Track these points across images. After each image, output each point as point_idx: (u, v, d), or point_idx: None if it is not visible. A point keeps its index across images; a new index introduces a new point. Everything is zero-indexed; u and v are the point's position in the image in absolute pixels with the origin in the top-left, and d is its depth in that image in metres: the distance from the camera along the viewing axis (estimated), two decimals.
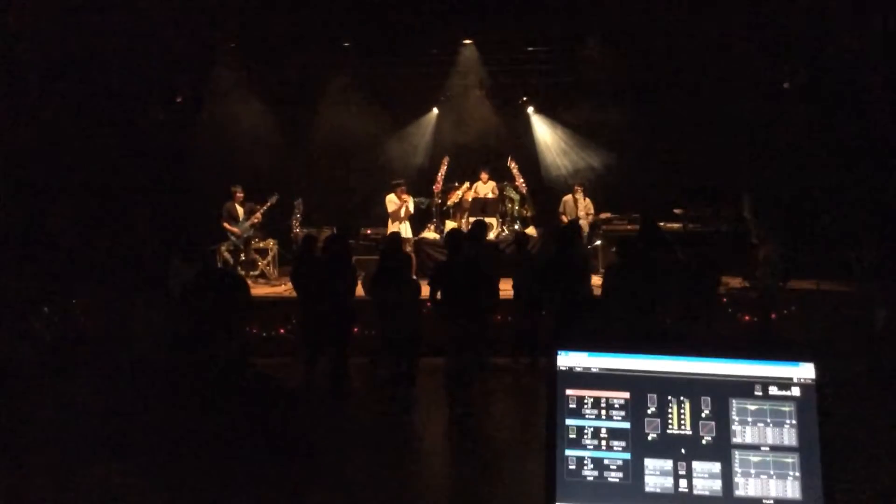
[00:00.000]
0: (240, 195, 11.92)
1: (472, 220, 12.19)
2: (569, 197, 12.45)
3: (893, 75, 10.49)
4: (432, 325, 7.97)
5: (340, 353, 7.72)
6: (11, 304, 8.95)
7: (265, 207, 11.96)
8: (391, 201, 12.08)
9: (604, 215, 12.26)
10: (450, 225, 12.69)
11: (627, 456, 1.80)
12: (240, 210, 11.87)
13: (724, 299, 9.91)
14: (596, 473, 1.79)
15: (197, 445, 2.05)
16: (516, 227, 12.58)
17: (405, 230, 11.97)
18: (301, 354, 7.77)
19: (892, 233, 9.85)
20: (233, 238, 11.84)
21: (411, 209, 12.17)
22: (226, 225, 11.79)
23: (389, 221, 12.08)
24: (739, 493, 1.76)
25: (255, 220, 11.87)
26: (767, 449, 1.77)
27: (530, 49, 13.40)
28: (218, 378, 2.15)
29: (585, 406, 1.84)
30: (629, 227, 11.88)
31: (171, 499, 2.04)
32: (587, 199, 12.38)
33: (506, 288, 8.74)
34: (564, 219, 12.10)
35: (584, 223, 12.06)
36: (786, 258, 8.96)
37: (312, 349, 7.73)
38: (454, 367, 7.24)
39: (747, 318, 9.56)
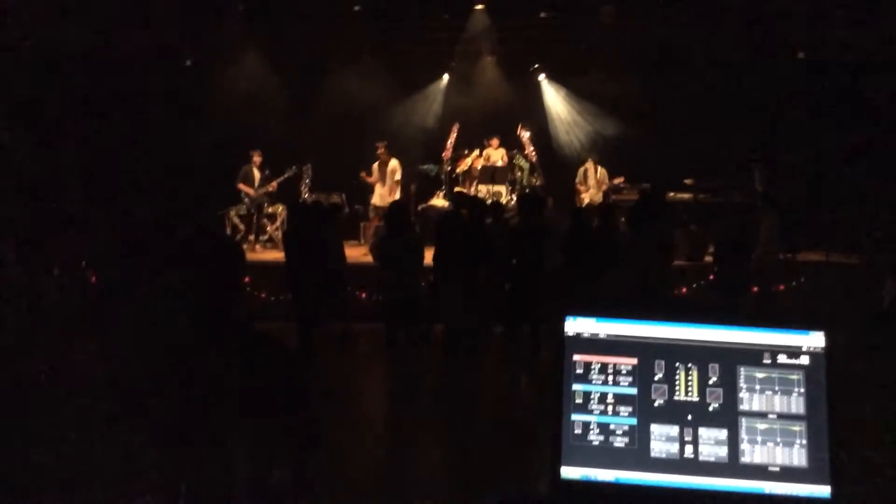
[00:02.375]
0: (257, 159, 11.92)
1: (480, 187, 12.21)
2: (583, 168, 12.42)
3: None
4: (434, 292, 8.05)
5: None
6: (21, 267, 9.00)
7: (284, 177, 11.95)
8: (373, 168, 12.03)
9: (617, 180, 12.20)
10: None
11: (634, 421, 1.80)
12: (257, 175, 11.88)
13: None
14: (602, 438, 1.79)
15: (200, 406, 2.07)
16: None
17: (382, 196, 11.82)
18: (300, 322, 7.85)
19: None
20: (246, 200, 11.83)
21: (397, 174, 11.98)
22: (241, 185, 11.78)
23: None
24: (745, 459, 1.76)
25: (271, 189, 11.86)
26: (775, 416, 1.77)
27: (542, 15, 13.23)
28: (220, 340, 2.16)
29: (593, 371, 1.83)
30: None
31: (174, 459, 2.07)
32: (601, 169, 12.33)
33: None
34: (581, 188, 12.10)
35: (593, 192, 12.03)
36: (785, 229, 8.93)
37: (306, 317, 7.84)
38: (452, 333, 7.34)
39: (755, 289, 9.56)
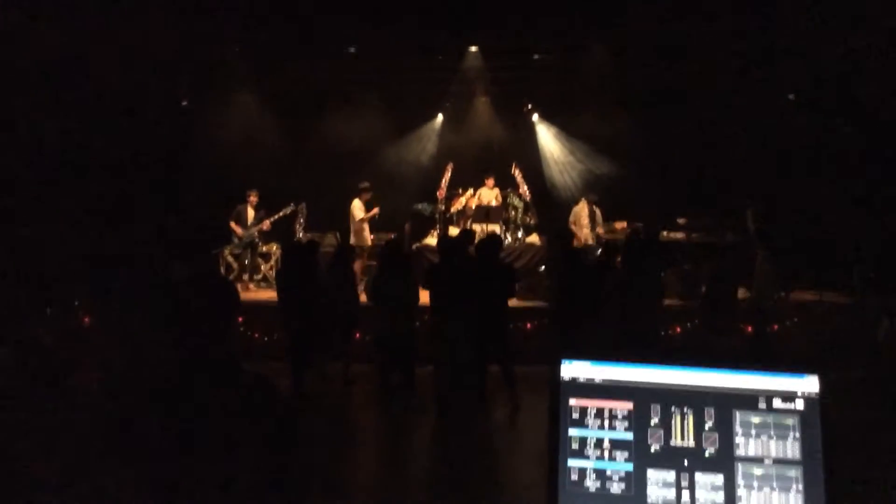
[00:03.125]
0: (253, 199, 11.96)
1: (475, 226, 12.23)
2: (577, 206, 12.47)
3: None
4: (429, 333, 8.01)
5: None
6: (13, 307, 8.95)
7: (278, 216, 11.97)
8: (357, 208, 11.93)
9: (619, 225, 12.21)
10: (453, 232, 12.68)
11: (630, 467, 1.79)
12: (251, 214, 11.91)
13: None
14: (598, 484, 1.79)
15: (191, 446, 2.06)
16: (520, 234, 12.58)
17: (367, 236, 11.92)
18: (293, 362, 7.82)
19: (894, 244, 9.85)
20: (235, 240, 11.85)
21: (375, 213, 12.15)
22: (232, 224, 11.82)
23: (353, 230, 11.93)
24: None
25: (265, 227, 11.87)
26: (770, 462, 1.77)
27: (535, 57, 13.41)
28: (209, 379, 2.16)
29: (588, 416, 1.83)
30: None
31: (167, 499, 2.05)
32: (598, 210, 12.37)
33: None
34: (574, 228, 12.11)
35: (586, 232, 12.06)
36: (780, 270, 8.97)
37: (299, 357, 7.83)
38: (446, 374, 7.30)
39: (749, 328, 9.56)
